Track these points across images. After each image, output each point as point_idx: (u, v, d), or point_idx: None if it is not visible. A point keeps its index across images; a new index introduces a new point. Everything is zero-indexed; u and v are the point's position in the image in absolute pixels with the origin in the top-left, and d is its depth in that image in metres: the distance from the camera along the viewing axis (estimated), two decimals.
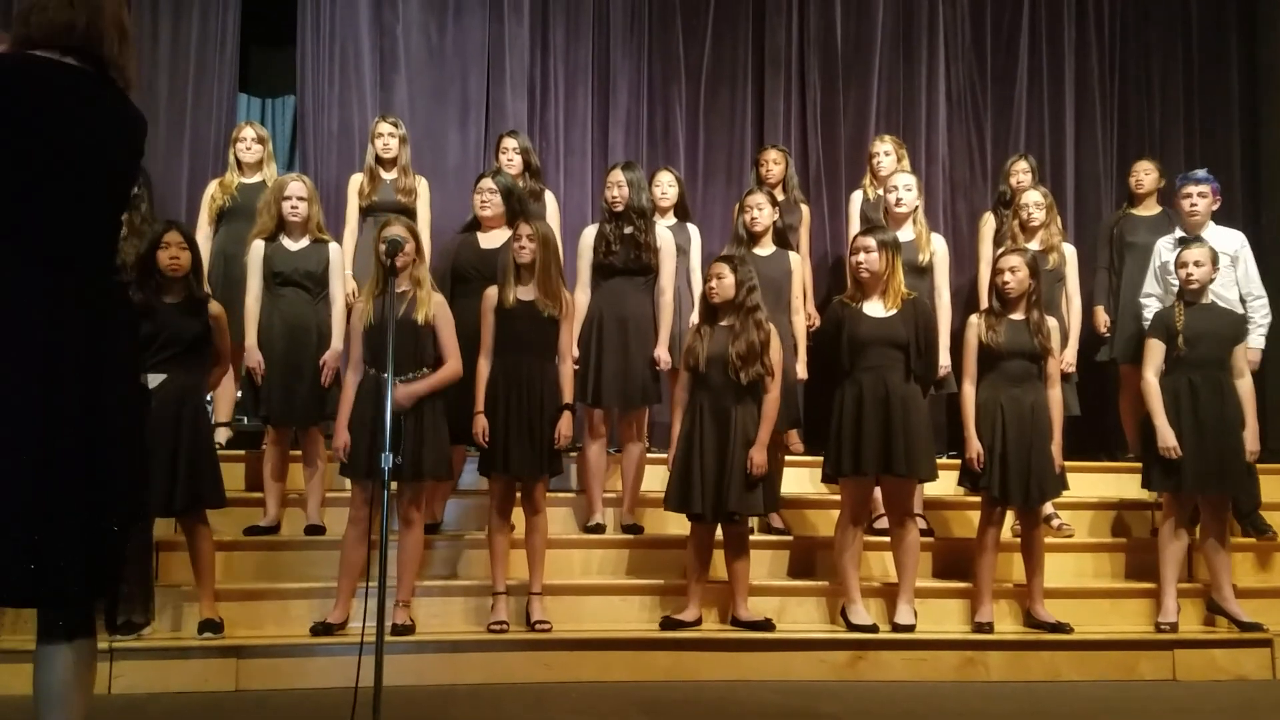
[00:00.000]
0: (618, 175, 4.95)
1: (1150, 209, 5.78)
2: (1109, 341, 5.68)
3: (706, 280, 4.50)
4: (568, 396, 4.39)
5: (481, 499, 4.84)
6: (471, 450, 4.71)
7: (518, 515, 4.48)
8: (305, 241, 4.80)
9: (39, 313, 2.04)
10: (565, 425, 4.34)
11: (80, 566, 2.05)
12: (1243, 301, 5.21)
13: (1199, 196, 5.30)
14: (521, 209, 4.84)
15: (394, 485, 4.20)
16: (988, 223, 5.74)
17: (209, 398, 5.14)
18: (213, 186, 5.37)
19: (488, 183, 4.85)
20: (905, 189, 5.10)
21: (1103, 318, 5.70)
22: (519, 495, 4.43)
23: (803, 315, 5.13)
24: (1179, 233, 5.29)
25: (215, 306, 4.26)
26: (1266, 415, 5.42)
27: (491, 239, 4.82)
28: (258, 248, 4.77)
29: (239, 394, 5.22)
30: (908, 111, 6.79)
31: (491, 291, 4.42)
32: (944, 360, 5.02)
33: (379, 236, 4.23)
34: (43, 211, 2.08)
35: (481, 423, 4.31)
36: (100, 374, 2.10)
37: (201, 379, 4.23)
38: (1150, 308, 5.18)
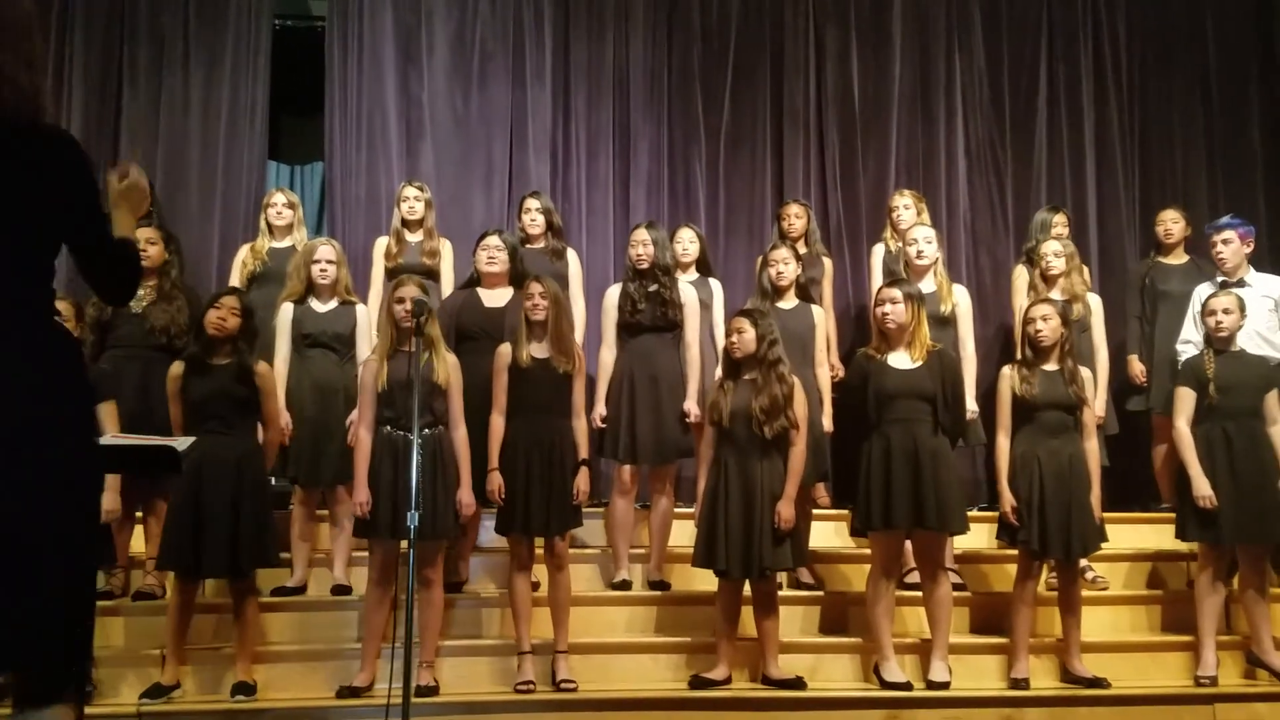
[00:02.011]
0: (642, 234, 5.00)
1: (1180, 257, 5.76)
2: (1145, 391, 5.62)
3: (728, 335, 4.51)
4: (584, 452, 4.39)
5: (505, 556, 4.82)
6: (486, 506, 4.70)
7: (540, 572, 4.46)
8: (334, 304, 4.87)
9: None
10: (583, 481, 4.35)
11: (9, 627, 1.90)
12: None
13: (1223, 244, 5.29)
14: (522, 268, 4.90)
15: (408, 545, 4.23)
16: (1020, 275, 5.70)
17: None
18: (244, 251, 5.46)
19: (495, 240, 4.91)
20: (926, 241, 5.12)
21: (1138, 366, 5.64)
22: (541, 552, 4.41)
23: (827, 368, 5.12)
24: (1219, 278, 5.27)
25: (263, 367, 4.36)
26: None
27: (495, 297, 4.86)
28: (286, 310, 4.84)
29: (275, 454, 5.26)
30: (927, 166, 6.83)
31: (505, 349, 4.45)
32: (971, 406, 4.99)
33: (393, 297, 4.30)
34: None
35: (497, 479, 4.31)
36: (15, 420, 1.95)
37: (255, 439, 4.31)
38: (1186, 352, 5.13)
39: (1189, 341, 5.23)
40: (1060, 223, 5.75)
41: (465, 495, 4.21)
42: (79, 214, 2.11)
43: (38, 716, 2.01)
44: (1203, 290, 5.27)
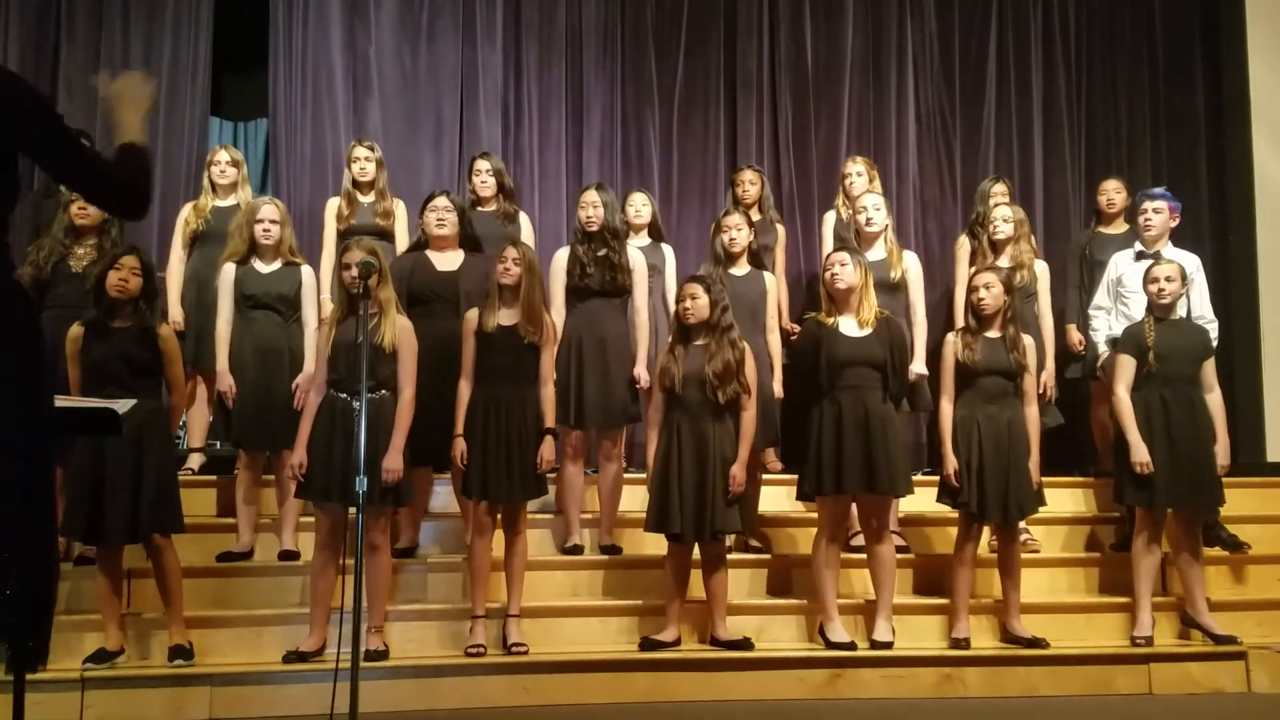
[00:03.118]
0: (592, 195, 4.96)
1: (1119, 228, 5.84)
2: (1082, 359, 5.72)
3: (680, 300, 4.51)
4: (549, 420, 4.38)
5: (456, 522, 4.82)
6: (438, 471, 4.68)
7: (497, 538, 4.45)
8: (277, 264, 4.78)
9: None
10: (548, 449, 4.33)
11: None
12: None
13: (1154, 213, 5.36)
14: (470, 230, 4.85)
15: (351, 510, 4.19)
16: (963, 245, 5.76)
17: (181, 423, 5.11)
18: (187, 210, 5.33)
19: (443, 201, 4.82)
20: (875, 209, 5.15)
21: (1076, 336, 5.74)
22: (499, 518, 4.41)
23: (778, 334, 5.14)
24: (1138, 247, 5.36)
25: (165, 330, 4.22)
26: (1234, 430, 5.46)
27: (447, 260, 4.79)
28: (228, 271, 4.75)
29: (210, 418, 5.18)
30: (878, 133, 6.85)
31: (472, 315, 4.41)
32: (920, 368, 5.05)
33: (341, 263, 4.22)
34: None
35: (460, 445, 4.29)
36: None
37: (159, 405, 4.18)
38: (1098, 318, 5.24)
39: (1100, 307, 5.33)
40: (1001, 192, 5.80)
41: (390, 461, 4.10)
42: (39, 139, 2.01)
43: None
44: (1119, 258, 5.37)
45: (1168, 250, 5.35)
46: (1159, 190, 5.56)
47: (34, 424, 2.00)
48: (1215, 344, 5.23)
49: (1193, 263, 5.41)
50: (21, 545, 1.94)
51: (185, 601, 4.20)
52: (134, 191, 2.13)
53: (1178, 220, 5.46)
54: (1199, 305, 5.32)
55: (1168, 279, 4.76)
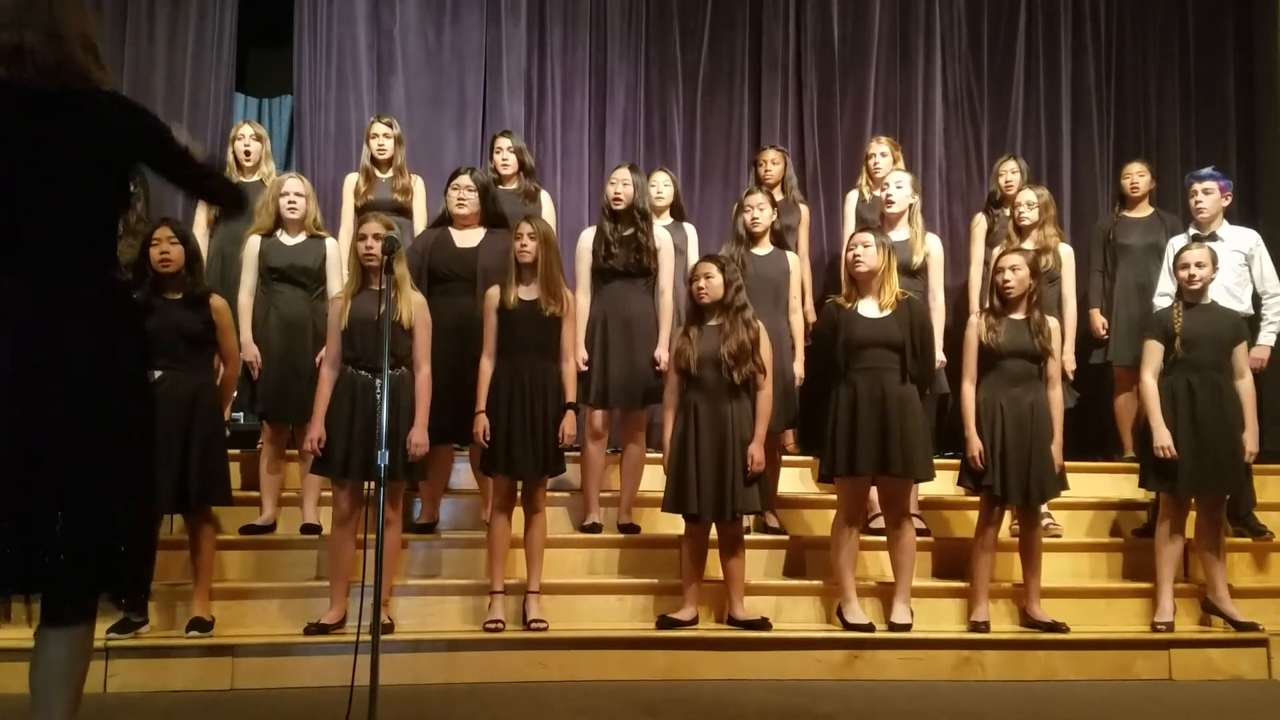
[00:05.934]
0: (624, 174, 4.94)
1: (1143, 211, 5.79)
2: (1105, 344, 5.68)
3: (694, 280, 4.48)
4: (571, 395, 4.38)
5: (476, 499, 4.85)
6: (459, 448, 4.70)
7: (516, 515, 4.47)
8: (302, 237, 4.81)
9: (9, 320, 2.17)
10: (569, 424, 4.34)
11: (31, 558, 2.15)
12: (1257, 300, 5.23)
13: (1204, 193, 5.32)
14: (495, 207, 4.83)
15: (370, 485, 4.20)
16: (979, 224, 5.77)
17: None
18: None
19: (465, 180, 4.82)
20: (897, 187, 5.11)
21: (1099, 320, 5.70)
22: (519, 495, 4.42)
23: (800, 315, 5.12)
24: (1193, 230, 5.30)
25: (217, 301, 4.24)
26: (1265, 417, 5.41)
27: (467, 238, 4.79)
28: (253, 243, 4.77)
29: (235, 391, 5.21)
30: (904, 113, 6.80)
31: (493, 292, 4.42)
32: (939, 356, 5.03)
33: (356, 234, 4.24)
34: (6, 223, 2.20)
35: (483, 421, 4.30)
36: (83, 373, 2.19)
37: (210, 375, 4.21)
38: (1163, 305, 5.18)
39: (1165, 294, 5.27)
40: (1010, 170, 5.76)
41: (417, 435, 4.15)
42: (163, 157, 2.43)
43: (68, 634, 2.22)
44: (1176, 242, 5.31)
45: (1225, 229, 5.30)
46: (1206, 171, 5.50)
47: (138, 402, 2.30)
48: None
49: (1252, 238, 5.36)
50: (129, 507, 2.24)
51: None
52: (222, 191, 2.70)
53: (1229, 199, 5.41)
54: (1262, 280, 5.28)
55: (1198, 264, 4.70)
